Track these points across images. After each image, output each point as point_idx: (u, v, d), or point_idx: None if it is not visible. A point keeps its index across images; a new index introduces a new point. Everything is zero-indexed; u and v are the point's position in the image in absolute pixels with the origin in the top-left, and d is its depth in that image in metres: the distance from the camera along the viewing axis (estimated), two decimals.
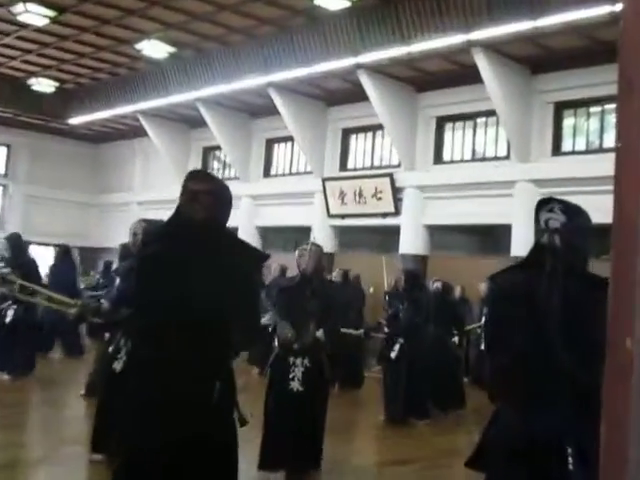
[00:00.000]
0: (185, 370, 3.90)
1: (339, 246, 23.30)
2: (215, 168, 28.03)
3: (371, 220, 21.59)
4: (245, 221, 24.95)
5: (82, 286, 16.24)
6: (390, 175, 21.00)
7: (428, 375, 11.72)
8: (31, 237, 21.52)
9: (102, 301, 7.66)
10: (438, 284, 13.73)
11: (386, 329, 12.04)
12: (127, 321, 6.86)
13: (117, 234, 24.06)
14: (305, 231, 21.36)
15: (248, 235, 23.33)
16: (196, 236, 4.01)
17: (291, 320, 7.69)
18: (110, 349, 7.66)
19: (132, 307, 5.23)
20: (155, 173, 29.82)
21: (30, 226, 29.83)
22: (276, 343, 7.76)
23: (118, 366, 7.36)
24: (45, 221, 31.22)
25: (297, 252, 7.78)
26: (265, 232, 25.37)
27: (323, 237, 20.34)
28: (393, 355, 11.47)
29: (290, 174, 25.42)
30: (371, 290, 17.92)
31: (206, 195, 4.00)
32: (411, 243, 20.64)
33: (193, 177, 4.11)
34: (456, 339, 13.01)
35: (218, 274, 3.94)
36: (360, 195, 21.59)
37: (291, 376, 7.49)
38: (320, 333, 7.65)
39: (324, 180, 22.92)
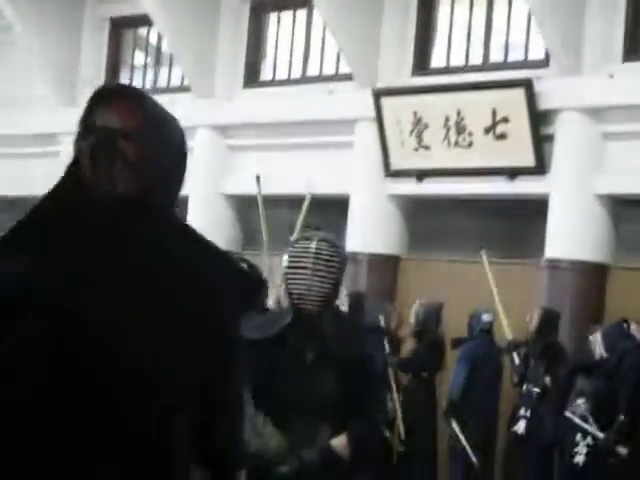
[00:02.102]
0: None
1: (410, 242, 15.05)
2: (140, 67, 19.27)
3: (486, 183, 13.76)
4: (204, 185, 16.50)
5: None
6: (527, 83, 12.95)
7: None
8: None
9: None
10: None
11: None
12: None
13: None
14: (332, 208, 14.80)
15: (210, 212, 16.39)
16: (111, 237, 2.53)
17: (274, 414, 4.93)
18: None
19: None
20: (10, 79, 20.43)
21: None
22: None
23: None
24: None
25: (286, 258, 5.09)
26: (245, 208, 16.57)
27: (372, 220, 14.66)
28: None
29: (303, 81, 16.43)
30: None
31: (132, 141, 2.58)
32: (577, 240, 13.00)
33: (100, 100, 2.63)
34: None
35: (157, 329, 2.51)
36: (461, 127, 13.83)
37: None
38: (340, 442, 4.92)
39: (378, 94, 14.40)
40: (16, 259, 2.50)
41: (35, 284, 2.44)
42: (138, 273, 2.54)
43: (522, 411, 10.78)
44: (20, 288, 2.46)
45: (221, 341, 2.65)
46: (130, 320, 2.51)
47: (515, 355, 10.95)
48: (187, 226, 2.65)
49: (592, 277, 12.38)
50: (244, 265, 2.32)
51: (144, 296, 2.53)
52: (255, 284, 2.82)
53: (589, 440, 10.20)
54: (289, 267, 4.93)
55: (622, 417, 10.18)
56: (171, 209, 2.68)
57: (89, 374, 2.50)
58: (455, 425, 11.08)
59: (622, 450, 10.26)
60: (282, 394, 4.88)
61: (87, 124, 2.61)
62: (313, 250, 4.88)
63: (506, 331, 11.30)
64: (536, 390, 10.70)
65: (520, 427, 10.77)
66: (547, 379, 10.63)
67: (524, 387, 10.85)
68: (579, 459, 10.24)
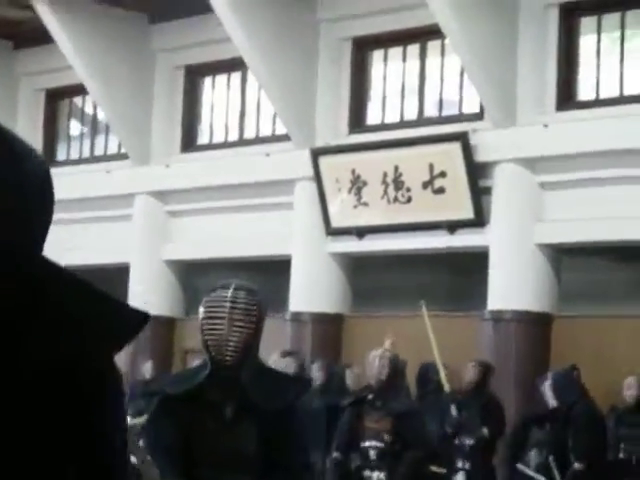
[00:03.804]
0: None
1: (353, 299, 14.99)
2: (75, 136, 18.81)
3: (426, 238, 13.92)
4: (144, 251, 16.39)
5: None
6: (462, 136, 13.13)
7: None
8: None
9: None
10: None
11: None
12: None
13: None
14: (274, 268, 14.89)
15: (151, 279, 15.97)
16: None
17: (195, 472, 4.90)
18: None
19: None
20: None
21: None
22: None
23: None
24: None
25: (202, 309, 4.85)
26: (187, 271, 16.61)
27: (314, 279, 14.61)
28: None
29: (241, 143, 16.40)
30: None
31: None
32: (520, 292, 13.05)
33: None
34: None
35: (32, 382, 2.12)
36: (399, 182, 13.97)
37: None
38: None
39: (316, 153, 14.57)
40: None
41: None
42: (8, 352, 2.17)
43: (460, 464, 10.69)
44: None
45: (92, 381, 2.29)
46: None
47: (453, 407, 10.89)
48: (55, 266, 2.28)
49: (536, 326, 12.37)
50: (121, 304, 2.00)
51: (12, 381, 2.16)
52: (137, 319, 2.41)
53: None
54: (205, 317, 4.76)
55: (577, 465, 10.10)
56: (36, 250, 2.29)
57: None
58: None
59: None
60: (201, 451, 4.83)
61: None
62: (229, 298, 4.73)
63: (444, 383, 11.20)
64: (470, 442, 10.63)
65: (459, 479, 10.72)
66: (484, 431, 10.59)
67: (457, 439, 10.79)
68: None
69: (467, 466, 10.70)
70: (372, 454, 9.42)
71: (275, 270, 14.25)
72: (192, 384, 4.87)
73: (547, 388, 10.62)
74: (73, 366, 2.18)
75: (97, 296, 2.26)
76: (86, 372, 2.20)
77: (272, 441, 4.69)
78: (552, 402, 10.31)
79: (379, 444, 9.36)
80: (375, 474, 8.92)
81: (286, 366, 11.25)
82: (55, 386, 2.17)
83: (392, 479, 8.83)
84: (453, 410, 10.88)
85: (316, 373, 12.13)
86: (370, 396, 9.22)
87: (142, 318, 2.27)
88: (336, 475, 10.04)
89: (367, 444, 9.38)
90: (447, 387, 11.20)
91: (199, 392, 4.80)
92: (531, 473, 10.34)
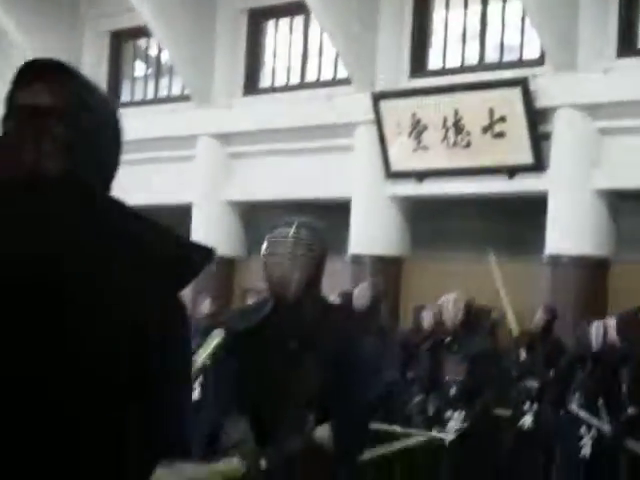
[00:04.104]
0: None
1: (412, 243, 14.76)
2: (139, 77, 18.77)
3: (485, 182, 13.68)
4: (207, 192, 16.27)
5: None
6: (523, 82, 12.86)
7: None
8: None
9: None
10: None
11: None
12: None
13: None
14: (335, 211, 14.12)
15: (211, 217, 15.98)
16: (34, 218, 2.24)
17: (254, 408, 4.64)
18: None
19: None
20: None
21: None
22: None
23: None
24: None
25: (264, 248, 4.70)
26: (249, 212, 16.43)
27: (374, 222, 14.40)
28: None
29: (302, 87, 16.17)
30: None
31: (60, 119, 2.28)
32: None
33: (27, 77, 2.33)
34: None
35: (98, 317, 2.21)
36: (459, 127, 13.73)
37: None
38: (323, 432, 4.59)
39: (377, 97, 14.24)
40: None
41: None
42: (62, 252, 2.29)
43: (527, 406, 10.72)
44: None
45: (160, 316, 2.34)
46: (66, 292, 2.26)
47: (521, 350, 10.95)
48: (122, 205, 2.39)
49: (593, 271, 12.28)
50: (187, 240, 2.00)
51: (88, 290, 2.27)
52: (200, 255, 2.46)
53: (594, 433, 10.01)
54: (267, 254, 4.64)
55: (632, 410, 10.01)
56: (103, 190, 2.44)
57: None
58: None
59: (632, 444, 10.04)
60: (265, 386, 4.67)
61: (12, 103, 2.37)
62: (292, 235, 4.63)
63: (513, 326, 11.29)
64: (536, 384, 10.66)
65: (527, 421, 10.72)
66: (550, 373, 10.58)
67: (524, 383, 10.78)
68: (585, 452, 10.05)
69: (534, 408, 10.73)
70: (451, 393, 9.54)
71: (335, 212, 14.11)
72: (255, 320, 4.74)
73: (610, 324, 10.45)
74: (141, 300, 2.23)
75: (163, 233, 2.34)
76: (153, 307, 2.24)
77: (335, 377, 4.57)
78: (597, 345, 10.11)
79: (457, 385, 9.50)
80: (455, 414, 9.04)
81: (362, 296, 11.43)
82: (124, 322, 2.22)
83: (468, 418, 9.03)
84: (522, 353, 10.87)
85: (362, 294, 11.69)
86: (447, 339, 9.34)
87: (207, 255, 2.36)
88: (418, 417, 10.07)
89: (446, 385, 9.54)
90: (516, 330, 11.22)
91: (262, 328, 4.68)
92: (585, 415, 10.16)
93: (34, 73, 2.34)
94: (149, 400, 2.28)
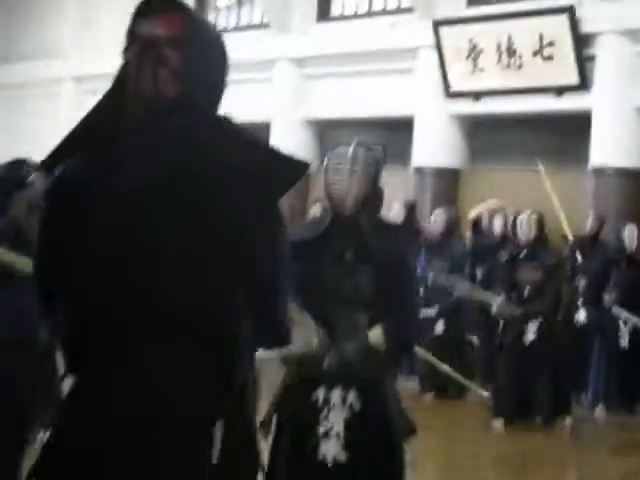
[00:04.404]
0: (148, 407, 2.36)
1: (469, 156, 15.10)
2: (221, 8, 18.63)
3: (535, 101, 13.97)
4: (284, 111, 16.64)
5: None
6: (569, 9, 13.01)
7: None
8: None
9: None
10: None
11: None
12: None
13: (37, 134, 16.86)
14: (399, 128, 14.97)
15: (288, 134, 16.05)
16: (158, 137, 2.38)
17: (314, 312, 4.48)
18: None
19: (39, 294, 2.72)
20: (100, 25, 19.48)
21: None
22: (282, 363, 4.57)
23: None
24: None
25: (325, 165, 4.67)
26: (322, 129, 16.67)
27: (434, 138, 14.72)
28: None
29: (369, 14, 16.28)
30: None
31: (176, 47, 2.41)
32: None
33: (145, 10, 2.43)
34: None
35: (210, 217, 2.37)
36: (511, 51, 14.09)
37: (321, 431, 4.43)
38: (376, 334, 4.59)
39: (437, 24, 14.58)
40: (71, 162, 2.45)
41: (87, 180, 2.38)
42: (193, 175, 2.43)
43: (580, 301, 11.06)
44: (76, 182, 2.40)
45: (273, 222, 2.53)
46: (194, 219, 2.41)
47: (577, 253, 11.37)
48: (233, 125, 2.53)
49: (634, 181, 12.58)
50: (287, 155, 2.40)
51: (203, 196, 2.43)
52: (298, 170, 2.62)
53: (630, 326, 10.35)
54: (327, 171, 4.73)
55: None
56: (216, 113, 2.56)
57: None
58: None
59: None
60: (324, 289, 4.74)
61: (133, 34, 2.44)
62: (350, 154, 4.68)
63: (568, 232, 11.71)
64: (586, 282, 10.99)
65: (581, 316, 11.03)
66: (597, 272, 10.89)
67: (578, 280, 11.11)
68: (624, 343, 10.40)
69: (586, 306, 10.95)
70: (526, 293, 10.02)
71: (400, 129, 14.45)
72: (317, 232, 4.82)
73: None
74: (242, 204, 2.38)
75: (266, 148, 2.51)
76: (253, 210, 2.39)
77: (386, 286, 4.67)
78: (630, 247, 10.54)
79: (531, 286, 9.95)
80: (531, 325, 9.59)
81: (437, 220, 12.00)
82: (230, 219, 2.38)
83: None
84: (578, 255, 11.27)
85: (437, 218, 12.12)
86: (523, 253, 9.76)
87: (304, 167, 2.51)
88: (502, 322, 10.31)
89: (522, 287, 10.01)
90: (570, 236, 11.61)
91: (322, 239, 4.75)
92: (627, 315, 10.47)
93: (151, 8, 2.43)
94: (256, 291, 2.47)
